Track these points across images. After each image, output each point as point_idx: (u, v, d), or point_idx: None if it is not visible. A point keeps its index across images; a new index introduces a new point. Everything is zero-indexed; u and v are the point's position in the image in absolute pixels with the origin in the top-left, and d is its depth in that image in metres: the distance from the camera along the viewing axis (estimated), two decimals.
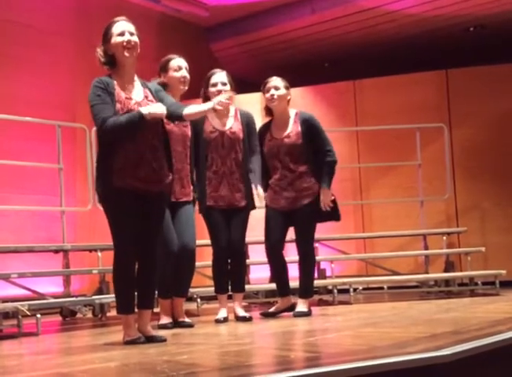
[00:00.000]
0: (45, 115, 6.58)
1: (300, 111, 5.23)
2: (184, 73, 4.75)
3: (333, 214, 5.13)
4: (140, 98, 3.87)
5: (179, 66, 4.75)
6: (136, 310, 3.87)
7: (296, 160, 5.08)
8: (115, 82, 3.85)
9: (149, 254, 3.90)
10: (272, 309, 5.23)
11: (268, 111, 5.23)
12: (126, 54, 3.83)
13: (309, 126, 5.10)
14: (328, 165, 5.08)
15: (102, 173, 3.79)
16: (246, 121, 5.03)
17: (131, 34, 3.86)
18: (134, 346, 3.65)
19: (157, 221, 3.96)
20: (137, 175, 3.76)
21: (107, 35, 3.88)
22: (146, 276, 3.90)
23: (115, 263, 3.82)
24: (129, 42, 3.83)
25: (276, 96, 5.09)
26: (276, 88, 5.11)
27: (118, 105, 3.78)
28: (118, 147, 3.74)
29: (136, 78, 3.95)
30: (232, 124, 4.98)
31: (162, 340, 3.80)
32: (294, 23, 9.11)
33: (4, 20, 7.42)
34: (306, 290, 5.15)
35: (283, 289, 5.21)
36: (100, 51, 3.90)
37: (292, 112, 5.20)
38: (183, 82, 4.74)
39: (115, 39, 3.84)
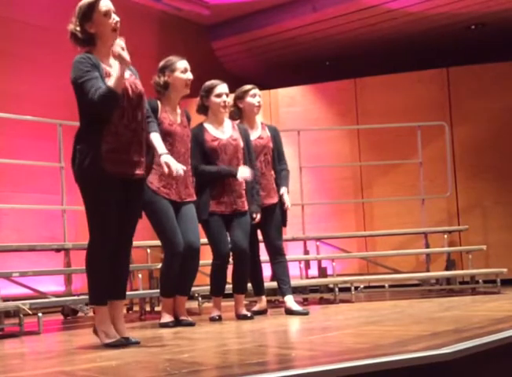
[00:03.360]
0: (46, 113, 6.56)
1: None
2: (190, 76, 4.76)
3: (284, 220, 5.34)
4: (127, 75, 3.68)
5: (185, 68, 4.75)
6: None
7: (267, 162, 5.28)
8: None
9: (126, 244, 3.75)
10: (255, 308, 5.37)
11: (236, 113, 5.31)
12: (115, 35, 3.65)
13: (276, 134, 5.39)
14: (286, 173, 5.36)
15: (90, 153, 3.56)
16: (244, 133, 5.14)
17: (116, 14, 3.69)
18: (135, 345, 3.63)
19: (138, 208, 3.81)
20: (127, 159, 3.62)
21: (90, 13, 3.62)
22: (120, 266, 3.73)
23: (93, 251, 3.61)
24: (116, 23, 3.66)
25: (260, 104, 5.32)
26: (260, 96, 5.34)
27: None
28: (108, 128, 3.58)
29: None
30: (232, 133, 5.07)
31: (136, 343, 3.65)
32: (296, 21, 9.12)
33: (5, 17, 7.41)
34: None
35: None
36: (77, 27, 3.65)
37: (258, 119, 5.41)
38: (188, 84, 4.75)
39: (103, 19, 3.63)
